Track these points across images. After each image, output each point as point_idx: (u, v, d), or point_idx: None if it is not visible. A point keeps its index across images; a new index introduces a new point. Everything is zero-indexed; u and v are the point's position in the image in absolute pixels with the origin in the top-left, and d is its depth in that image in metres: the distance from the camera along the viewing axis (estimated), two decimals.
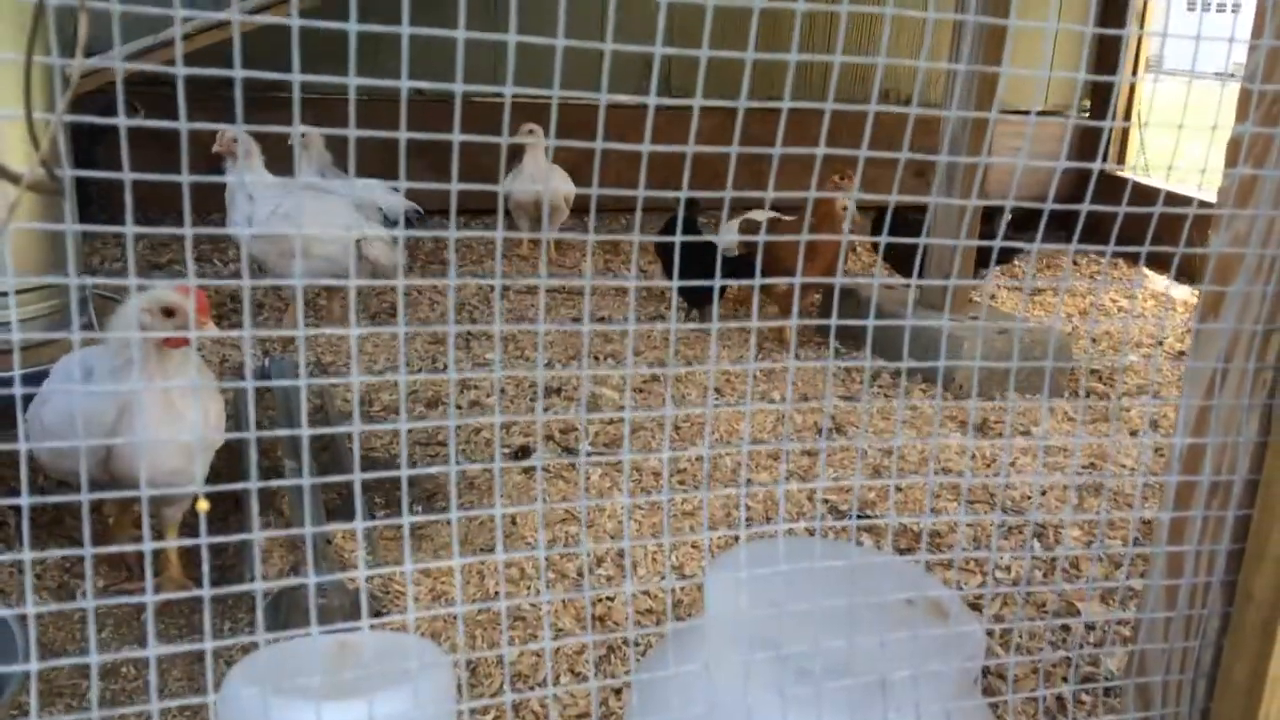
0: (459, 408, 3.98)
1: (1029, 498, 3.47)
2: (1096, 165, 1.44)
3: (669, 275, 5.30)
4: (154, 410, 2.43)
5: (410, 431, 3.74)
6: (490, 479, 3.32)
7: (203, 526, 1.00)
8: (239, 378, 3.95)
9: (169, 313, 2.36)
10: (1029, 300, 5.83)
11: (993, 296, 5.69)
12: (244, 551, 2.71)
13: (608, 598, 2.74)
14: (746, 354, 4.66)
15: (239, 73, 1.00)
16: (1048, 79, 7.11)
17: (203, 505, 1.07)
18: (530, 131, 5.54)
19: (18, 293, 2.86)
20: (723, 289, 5.06)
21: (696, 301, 5.08)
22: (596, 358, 4.56)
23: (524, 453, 3.58)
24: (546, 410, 3.97)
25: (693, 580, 2.82)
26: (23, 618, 1.91)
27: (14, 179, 0.81)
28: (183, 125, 1.02)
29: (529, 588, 2.78)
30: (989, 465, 3.70)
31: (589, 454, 3.63)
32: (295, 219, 4.12)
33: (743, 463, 1.69)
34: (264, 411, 3.70)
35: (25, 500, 1.08)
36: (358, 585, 2.58)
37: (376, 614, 2.60)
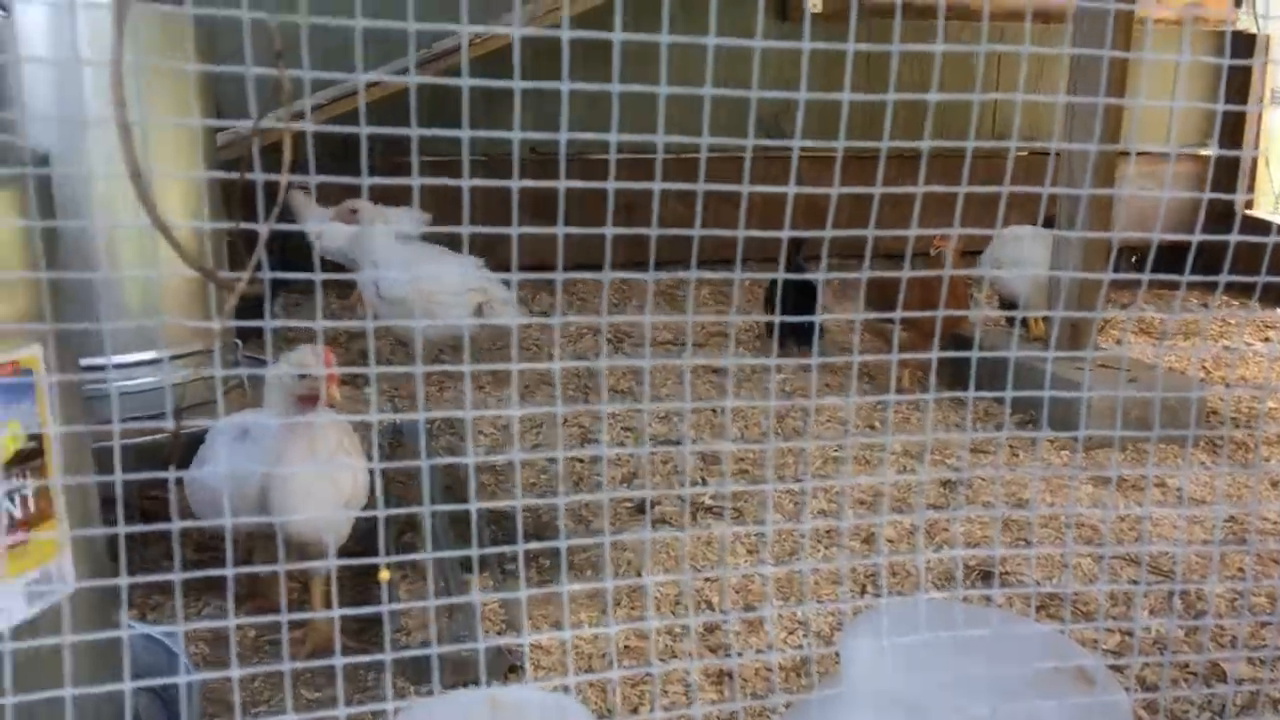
0: (580, 461, 4.06)
1: (1168, 553, 3.36)
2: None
3: (771, 331, 5.46)
4: (299, 469, 2.57)
5: (534, 486, 3.84)
6: (617, 534, 3.38)
7: (384, 595, 1.07)
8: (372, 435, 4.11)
9: (302, 375, 2.50)
10: (1160, 346, 5.67)
11: (1119, 342, 5.56)
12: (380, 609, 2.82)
13: (737, 652, 2.77)
14: (862, 407, 4.65)
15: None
16: (1172, 117, 6.95)
17: (384, 575, 1.15)
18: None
19: (171, 358, 3.05)
20: (823, 328, 5.20)
21: (800, 339, 5.22)
22: (712, 410, 4.61)
23: (644, 509, 3.64)
24: (664, 464, 4.03)
25: (812, 635, 2.83)
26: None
27: (227, 286, 0.91)
28: (261, 228, 1.11)
29: (658, 643, 2.83)
30: (1123, 520, 3.61)
31: (710, 508, 3.67)
32: (416, 282, 4.30)
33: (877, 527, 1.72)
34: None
35: (178, 576, 1.18)
36: (497, 643, 2.66)
37: (511, 670, 2.67)
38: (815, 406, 4.66)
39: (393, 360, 5.13)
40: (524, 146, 5.39)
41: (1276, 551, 3.35)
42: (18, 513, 1.55)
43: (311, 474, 2.59)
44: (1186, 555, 3.37)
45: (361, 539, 2.80)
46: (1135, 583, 3.15)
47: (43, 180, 1.57)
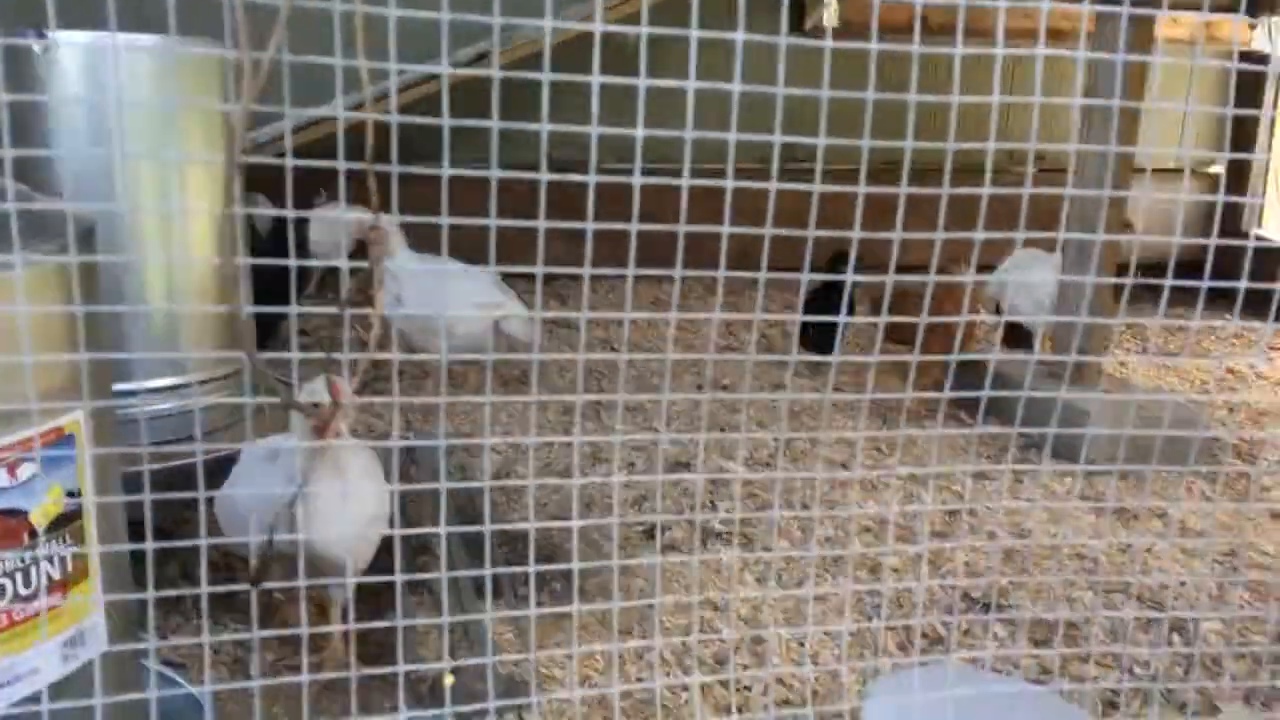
0: (586, 474, 4.11)
1: (1166, 587, 3.41)
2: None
3: (806, 339, 5.45)
4: (323, 490, 2.60)
5: (545, 506, 3.89)
6: (627, 557, 3.43)
7: (448, 697, 1.12)
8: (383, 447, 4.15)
9: (315, 404, 2.55)
10: (1161, 369, 5.70)
11: (1122, 364, 5.59)
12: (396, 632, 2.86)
13: (745, 687, 2.82)
14: (872, 423, 4.68)
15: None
16: (1180, 139, 6.96)
17: (449, 680, 1.20)
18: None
19: (201, 382, 3.10)
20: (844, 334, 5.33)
21: (821, 346, 5.30)
22: (721, 429, 4.65)
23: (654, 533, 3.69)
24: (675, 487, 4.07)
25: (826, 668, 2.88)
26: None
27: (310, 411, 0.95)
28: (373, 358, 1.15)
29: (669, 675, 2.88)
30: (1124, 551, 3.66)
31: (719, 534, 3.72)
32: (438, 299, 4.34)
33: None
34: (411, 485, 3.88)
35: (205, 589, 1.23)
36: (509, 669, 2.71)
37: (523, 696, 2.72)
38: (826, 424, 4.70)
39: (405, 371, 5.17)
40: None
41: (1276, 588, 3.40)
42: (56, 574, 1.59)
43: (337, 496, 2.63)
44: (1184, 589, 3.42)
45: (378, 565, 2.85)
46: (1145, 621, 3.20)
47: (87, 251, 1.61)
